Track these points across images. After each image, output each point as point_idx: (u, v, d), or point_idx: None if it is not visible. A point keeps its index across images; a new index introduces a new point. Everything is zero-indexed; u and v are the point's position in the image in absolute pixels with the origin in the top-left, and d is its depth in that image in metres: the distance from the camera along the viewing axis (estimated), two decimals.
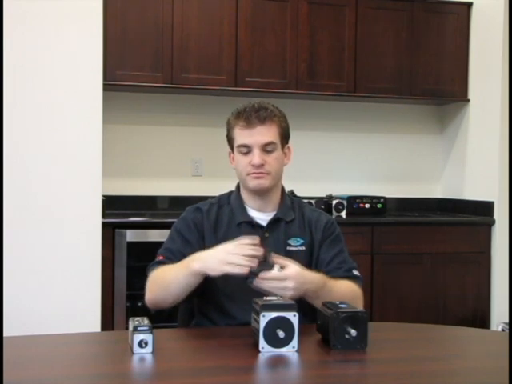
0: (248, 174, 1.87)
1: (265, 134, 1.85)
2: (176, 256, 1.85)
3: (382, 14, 4.03)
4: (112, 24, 3.59)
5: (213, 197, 2.02)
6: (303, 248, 1.92)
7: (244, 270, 1.62)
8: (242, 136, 1.86)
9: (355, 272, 1.91)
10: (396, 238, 3.78)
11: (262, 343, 1.48)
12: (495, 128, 3.92)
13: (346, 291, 1.80)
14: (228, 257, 1.64)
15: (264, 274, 1.62)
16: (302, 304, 1.83)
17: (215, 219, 1.93)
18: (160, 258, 1.88)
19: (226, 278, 1.87)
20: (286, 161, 1.95)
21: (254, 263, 1.62)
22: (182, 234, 1.91)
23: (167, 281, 1.77)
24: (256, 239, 1.67)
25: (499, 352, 1.58)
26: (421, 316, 3.73)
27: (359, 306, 1.74)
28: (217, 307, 1.86)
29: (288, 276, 1.63)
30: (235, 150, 1.90)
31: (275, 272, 1.63)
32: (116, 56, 3.62)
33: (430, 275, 3.82)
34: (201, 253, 1.73)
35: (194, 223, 1.92)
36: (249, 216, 1.92)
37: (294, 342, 1.49)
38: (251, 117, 1.84)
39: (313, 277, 1.72)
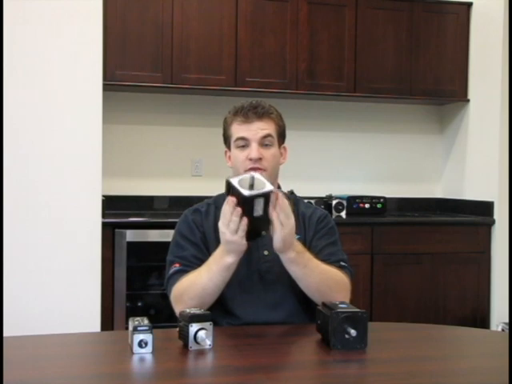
0: (245, 171, 1.87)
1: (263, 128, 1.87)
2: (191, 261, 1.85)
3: (382, 14, 4.03)
4: (112, 24, 3.59)
5: (211, 197, 2.03)
6: None
7: (243, 228, 1.63)
8: (239, 130, 1.87)
9: (343, 263, 1.89)
10: (396, 238, 3.78)
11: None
12: (495, 128, 3.92)
13: (329, 269, 1.79)
14: (228, 232, 1.64)
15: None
16: (301, 304, 1.84)
17: (214, 220, 1.93)
18: (176, 265, 1.86)
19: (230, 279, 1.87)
20: (282, 160, 1.96)
21: (238, 210, 1.61)
22: (188, 239, 1.90)
23: (201, 286, 1.75)
24: (229, 200, 1.65)
25: (499, 352, 1.58)
26: (421, 316, 3.73)
27: (342, 292, 1.77)
28: (218, 306, 1.85)
29: (291, 215, 1.66)
30: (232, 145, 1.90)
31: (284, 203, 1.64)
32: (116, 56, 3.62)
33: (430, 275, 3.82)
34: (220, 248, 1.73)
35: (195, 225, 1.92)
36: None
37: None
38: (249, 112, 1.86)
39: (296, 240, 1.74)
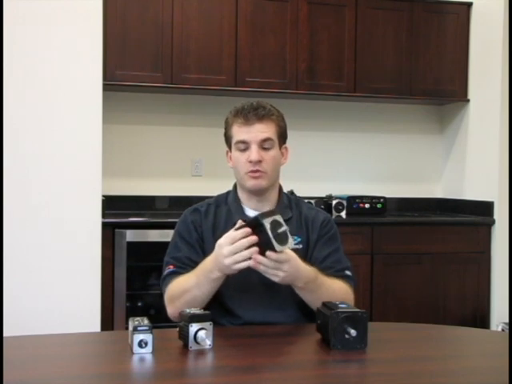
0: (246, 173, 1.87)
1: (263, 130, 1.86)
2: (185, 263, 1.86)
3: (382, 14, 4.03)
4: (112, 24, 3.59)
5: (212, 197, 2.03)
6: (300, 246, 1.92)
7: (252, 263, 1.62)
8: (239, 133, 1.87)
9: (348, 272, 1.90)
10: (396, 238, 3.78)
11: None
12: (495, 128, 3.92)
13: (337, 289, 1.80)
14: (230, 260, 1.64)
15: (270, 254, 1.61)
16: (301, 304, 1.84)
17: (213, 220, 1.93)
18: (170, 267, 1.88)
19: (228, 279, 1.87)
20: (283, 160, 1.96)
21: (253, 251, 1.61)
22: (184, 239, 1.91)
23: (191, 292, 1.76)
24: (241, 224, 1.65)
25: (499, 352, 1.58)
26: (421, 316, 3.73)
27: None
28: (218, 305, 1.85)
29: (288, 260, 1.64)
30: (233, 147, 1.91)
31: (277, 256, 1.62)
32: (116, 56, 3.62)
33: (430, 275, 3.82)
34: (210, 260, 1.72)
35: (194, 225, 1.92)
36: (246, 215, 1.92)
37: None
38: (249, 114, 1.85)
39: (305, 268, 1.73)
